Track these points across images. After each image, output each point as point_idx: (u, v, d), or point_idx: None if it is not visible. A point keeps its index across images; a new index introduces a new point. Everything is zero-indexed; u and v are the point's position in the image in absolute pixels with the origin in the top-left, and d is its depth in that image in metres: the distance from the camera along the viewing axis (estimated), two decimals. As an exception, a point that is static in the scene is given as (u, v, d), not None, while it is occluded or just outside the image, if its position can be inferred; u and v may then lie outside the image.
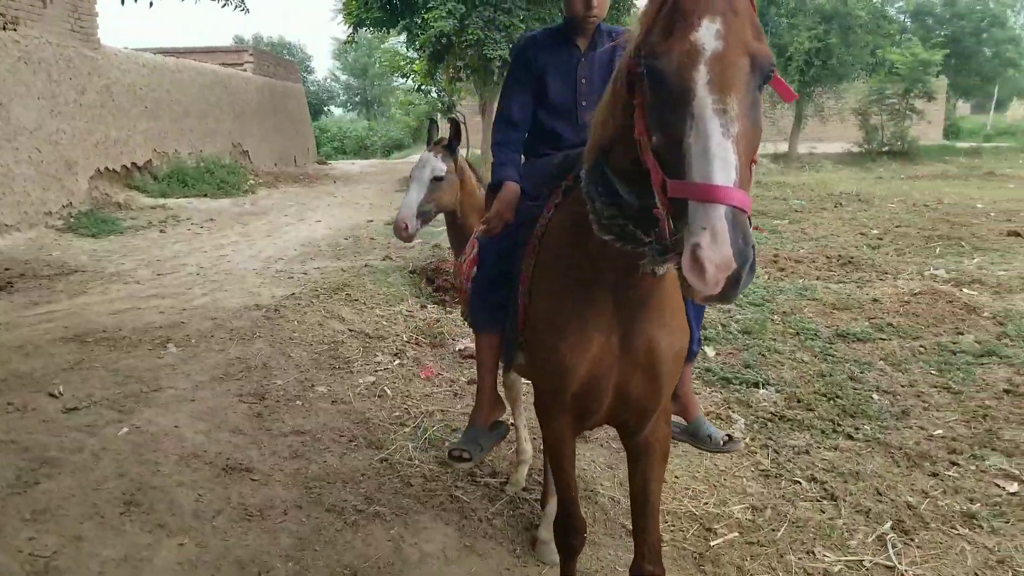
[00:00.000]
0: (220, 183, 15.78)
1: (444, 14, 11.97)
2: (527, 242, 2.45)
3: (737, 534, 3.45)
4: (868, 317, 6.70)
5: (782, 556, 3.27)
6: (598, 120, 2.04)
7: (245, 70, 21.86)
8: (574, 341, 2.19)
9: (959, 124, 41.99)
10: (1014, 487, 3.79)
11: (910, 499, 3.70)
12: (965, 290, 7.56)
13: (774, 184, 17.94)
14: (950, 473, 3.96)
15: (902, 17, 32.93)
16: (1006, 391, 5.02)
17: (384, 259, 9.11)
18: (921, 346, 5.96)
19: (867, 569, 3.17)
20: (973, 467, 4.01)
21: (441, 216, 3.96)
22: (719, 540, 3.39)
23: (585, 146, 2.53)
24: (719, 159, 1.45)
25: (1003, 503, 3.64)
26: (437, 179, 3.70)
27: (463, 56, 12.70)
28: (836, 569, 3.17)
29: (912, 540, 3.35)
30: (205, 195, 14.80)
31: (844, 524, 3.49)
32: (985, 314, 6.70)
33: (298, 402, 4.78)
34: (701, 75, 1.51)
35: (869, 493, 3.77)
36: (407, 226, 3.69)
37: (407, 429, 4.48)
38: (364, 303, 7.05)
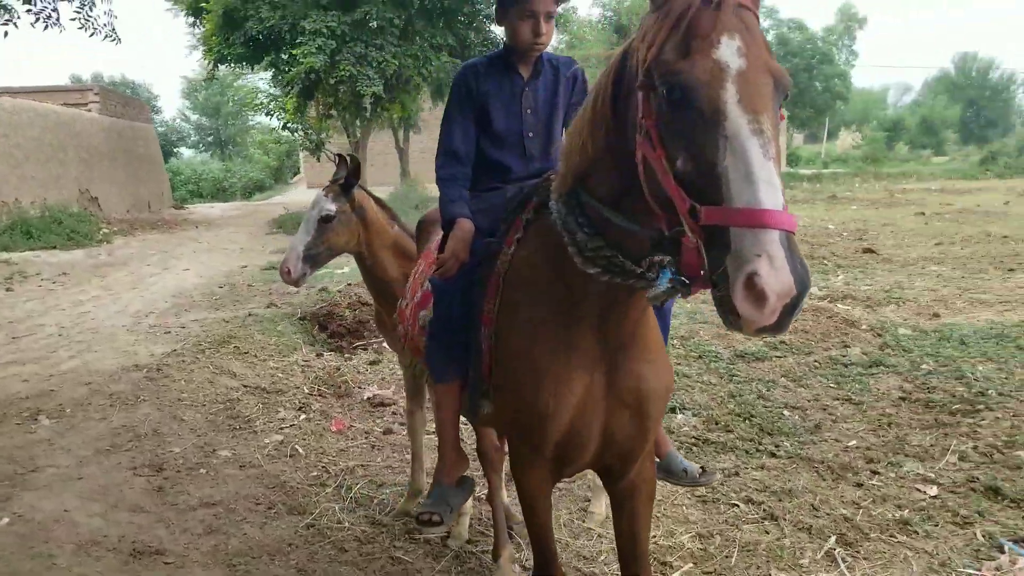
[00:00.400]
0: (70, 233, 14.58)
1: (314, 50, 11.64)
2: (487, 281, 2.30)
3: (692, 565, 3.40)
4: (761, 337, 6.94)
5: (741, 584, 3.24)
6: (573, 146, 1.94)
7: (90, 110, 20.45)
8: (556, 385, 2.05)
9: (797, 153, 45.54)
10: (934, 491, 3.96)
11: (844, 512, 3.78)
12: (840, 305, 8.03)
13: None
14: (873, 482, 4.09)
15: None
16: (901, 399, 5.31)
17: (268, 307, 8.63)
18: (815, 361, 6.23)
19: (824, 588, 3.20)
20: (892, 475, 4.17)
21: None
22: (677, 573, 3.32)
23: (540, 177, 2.44)
24: (764, 182, 1.38)
25: (928, 507, 3.79)
26: (326, 219, 3.51)
27: (334, 93, 12.39)
28: (795, 591, 3.18)
29: (858, 552, 3.42)
30: (54, 247, 13.62)
31: (791, 543, 3.52)
32: (864, 327, 7.12)
33: (202, 470, 4.35)
34: (730, 94, 1.44)
35: (805, 509, 3.83)
36: (290, 270, 3.49)
37: (329, 489, 4.16)
38: (255, 355, 6.61)
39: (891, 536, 3.54)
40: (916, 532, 3.56)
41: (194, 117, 53.48)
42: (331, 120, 16.20)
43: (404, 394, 5.67)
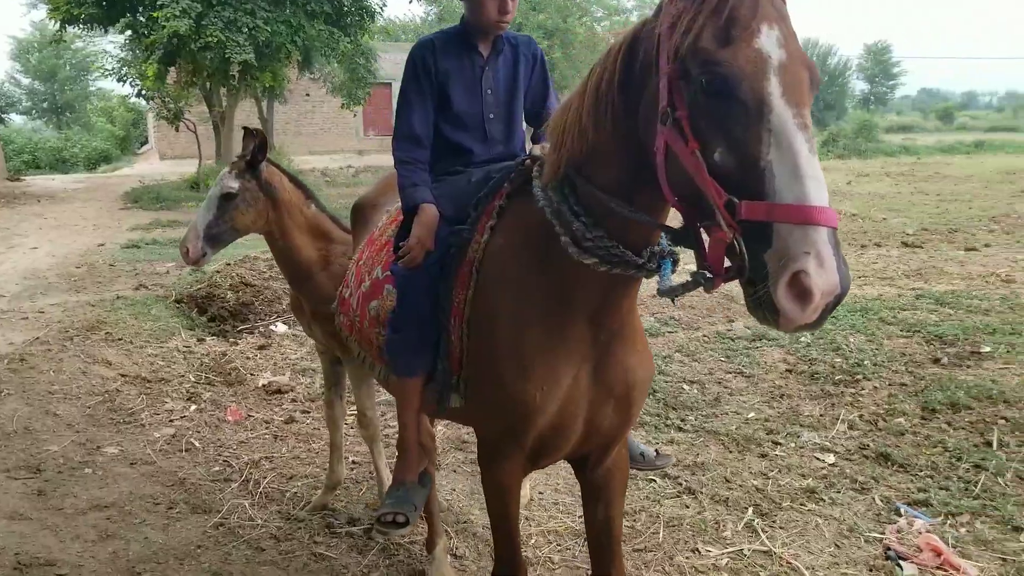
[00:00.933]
0: None
1: (177, 12, 10.74)
2: (457, 270, 2.18)
3: (622, 543, 3.43)
4: (651, 313, 7.14)
5: (671, 558, 3.31)
6: (570, 131, 1.85)
7: (-95, 70, 18.14)
8: (543, 377, 1.98)
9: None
10: (831, 459, 4.20)
11: (755, 483, 3.95)
12: (720, 281, 8.38)
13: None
14: (776, 453, 4.29)
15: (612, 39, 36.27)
16: (788, 371, 5.61)
17: (137, 288, 8.01)
18: (704, 336, 6.48)
19: (748, 557, 3.31)
20: (792, 445, 4.39)
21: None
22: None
23: (503, 161, 2.35)
24: (811, 178, 1.36)
25: (829, 475, 4.02)
26: (228, 197, 3.27)
27: (199, 60, 11.55)
28: (723, 562, 3.27)
29: (774, 522, 3.57)
30: None
31: (712, 517, 3.63)
32: (741, 302, 7.46)
33: (87, 470, 3.97)
34: (774, 86, 1.41)
35: (719, 482, 3.96)
36: (189, 250, 3.26)
37: (235, 485, 3.91)
38: (130, 342, 6.10)
39: (801, 504, 3.72)
40: (823, 500, 3.76)
41: (25, 81, 48.82)
42: (192, 89, 15.14)
43: (301, 381, 5.45)
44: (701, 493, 3.85)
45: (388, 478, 3.56)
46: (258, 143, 3.23)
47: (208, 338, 6.39)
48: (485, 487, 2.28)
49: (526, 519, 3.65)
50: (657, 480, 4.01)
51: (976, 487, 3.76)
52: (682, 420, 4.75)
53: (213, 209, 3.25)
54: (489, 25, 2.27)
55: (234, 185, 3.23)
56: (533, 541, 3.48)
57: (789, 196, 1.35)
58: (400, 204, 2.86)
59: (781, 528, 3.52)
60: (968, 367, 5.52)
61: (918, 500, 3.71)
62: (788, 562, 3.25)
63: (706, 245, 1.53)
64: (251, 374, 5.55)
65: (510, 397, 2.01)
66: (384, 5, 15.02)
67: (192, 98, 16.68)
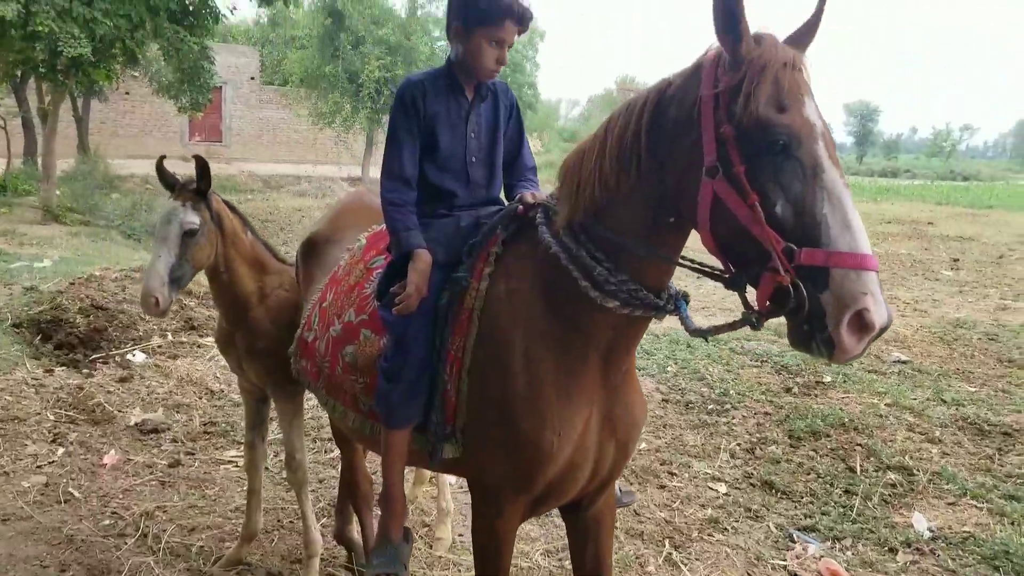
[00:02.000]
0: None
1: (0, -4, 9.55)
2: (455, 317, 2.17)
3: (553, 584, 3.50)
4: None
5: (603, 597, 3.41)
6: (590, 180, 1.95)
7: None
8: (560, 423, 2.03)
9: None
10: (723, 488, 4.52)
11: (663, 515, 4.16)
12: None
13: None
14: (675, 484, 4.55)
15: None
16: (664, 400, 5.95)
17: (-41, 310, 7.05)
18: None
19: (673, 591, 3.49)
20: (687, 475, 4.67)
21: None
22: (543, 595, 3.40)
23: (486, 205, 2.37)
24: (859, 230, 1.58)
25: (726, 504, 4.32)
26: (190, 234, 2.96)
27: (26, 50, 10.35)
28: (652, 598, 3.43)
29: (690, 554, 3.79)
30: None
31: (632, 551, 3.78)
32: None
33: (-52, 530, 3.47)
34: (822, 149, 1.62)
35: (630, 516, 4.13)
36: (158, 300, 2.86)
37: (131, 540, 3.57)
38: (-36, 374, 5.38)
39: (709, 535, 3.97)
40: (726, 529, 4.03)
41: None
42: (6, 81, 13.52)
43: (177, 418, 5.08)
44: (616, 528, 3.99)
45: (315, 527, 3.42)
46: (199, 170, 2.99)
47: (57, 369, 5.76)
48: (480, 536, 2.26)
49: (454, 564, 3.63)
50: (557, 519, 4.10)
51: (852, 511, 4.19)
52: (580, 453, 4.90)
53: (175, 249, 2.92)
54: (483, 74, 2.29)
55: (195, 220, 2.95)
56: (466, 585, 3.46)
57: (843, 245, 1.56)
58: (361, 242, 2.79)
59: (697, 560, 3.74)
60: (816, 396, 6.13)
61: (807, 526, 4.08)
62: (710, 593, 3.46)
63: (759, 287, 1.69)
64: (119, 411, 5.07)
65: (525, 443, 2.03)
66: (234, 9, 14.28)
67: (1, 91, 14.92)
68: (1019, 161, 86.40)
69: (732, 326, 1.85)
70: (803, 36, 1.76)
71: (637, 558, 3.71)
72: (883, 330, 1.57)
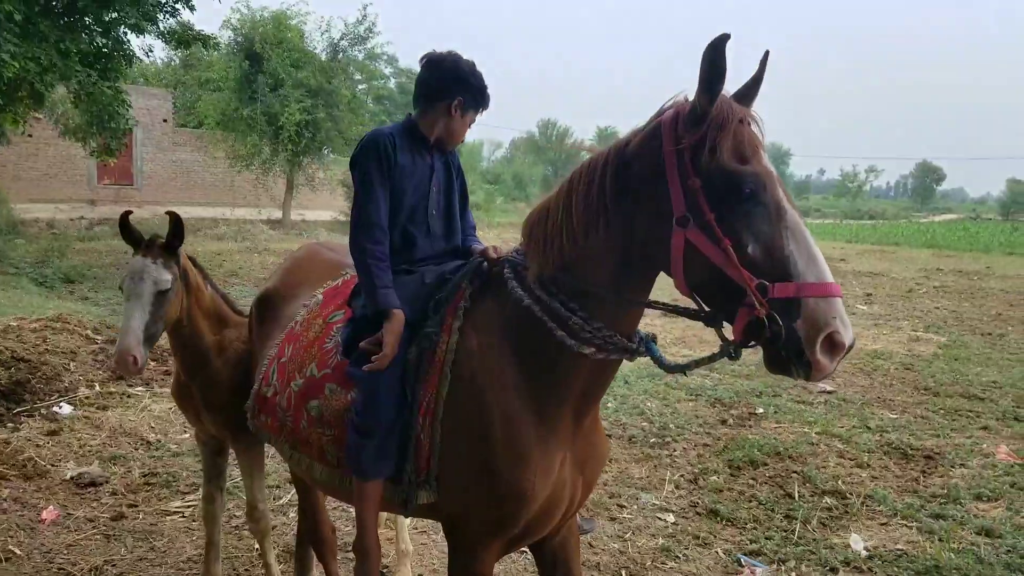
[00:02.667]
0: None
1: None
2: (427, 371, 2.24)
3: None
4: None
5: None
6: (557, 236, 2.06)
7: None
8: (538, 465, 2.11)
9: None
10: (671, 518, 4.66)
11: (616, 546, 4.26)
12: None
13: (280, 250, 18.21)
14: (624, 515, 4.66)
15: (369, 102, 36.37)
16: (608, 435, 6.05)
17: None
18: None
19: (634, 620, 3.58)
20: (635, 506, 4.79)
21: None
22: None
23: (444, 258, 2.48)
24: (823, 262, 1.75)
25: (675, 533, 4.45)
26: (163, 293, 2.91)
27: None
28: (616, 628, 3.50)
29: (647, 584, 3.89)
30: None
31: (591, 584, 3.85)
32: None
33: None
34: (781, 194, 1.79)
35: (584, 548, 4.20)
36: (136, 359, 2.78)
37: (84, 598, 3.43)
38: None
39: (663, 563, 4.09)
40: (678, 557, 4.16)
41: None
42: None
43: (114, 470, 4.90)
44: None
45: (279, 575, 3.37)
46: (174, 224, 2.95)
47: (-22, 423, 5.48)
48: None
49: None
50: (528, 551, 4.16)
51: (793, 535, 4.39)
52: (530, 490, 4.96)
53: (148, 307, 2.84)
54: (453, 143, 2.46)
55: (168, 278, 2.88)
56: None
57: (811, 276, 1.72)
58: (318, 298, 2.82)
59: (654, 589, 3.84)
60: (750, 426, 6.39)
61: (753, 551, 4.24)
62: (670, 620, 3.56)
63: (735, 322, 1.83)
64: (51, 465, 4.86)
65: (507, 489, 2.11)
66: (150, 51, 14.01)
67: None
68: (919, 200, 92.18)
69: (711, 359, 1.98)
70: (749, 91, 1.93)
71: (597, 589, 3.79)
72: (850, 348, 1.73)
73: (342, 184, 28.14)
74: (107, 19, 12.53)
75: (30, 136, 27.15)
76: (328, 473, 2.48)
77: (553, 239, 2.07)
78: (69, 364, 6.71)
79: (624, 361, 2.20)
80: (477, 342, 2.21)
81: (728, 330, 1.92)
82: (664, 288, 2.10)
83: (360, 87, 36.61)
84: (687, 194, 1.83)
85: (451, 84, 2.36)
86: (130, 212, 3.00)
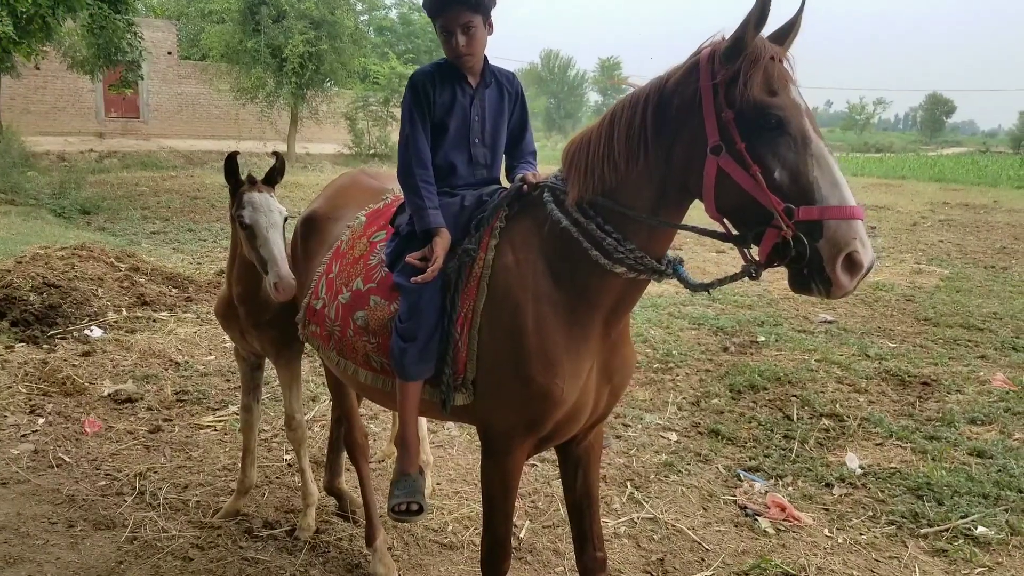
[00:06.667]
0: None
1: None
2: (465, 284, 2.45)
3: (529, 522, 3.83)
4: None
5: (579, 531, 3.76)
6: (599, 164, 2.23)
7: None
8: (570, 373, 2.33)
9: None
10: (674, 436, 4.94)
11: (621, 461, 4.55)
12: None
13: (286, 182, 18.31)
14: (629, 434, 4.94)
15: (371, 33, 35.82)
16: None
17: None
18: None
19: (638, 524, 3.87)
20: (640, 426, 5.06)
21: None
22: (523, 530, 3.73)
23: (487, 184, 2.65)
24: (846, 187, 1.91)
25: (677, 450, 4.73)
26: (285, 220, 3.20)
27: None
28: (622, 530, 3.80)
29: (651, 493, 4.18)
30: None
31: (600, 492, 4.13)
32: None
33: (-52, 496, 3.55)
34: (808, 124, 1.95)
35: (593, 463, 4.49)
36: (295, 281, 3.05)
37: (130, 498, 3.73)
38: (-76, 352, 5.34)
39: (666, 476, 4.37)
40: (680, 471, 4.44)
41: None
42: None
43: (147, 388, 5.19)
44: (582, 473, 4.35)
45: (313, 481, 3.66)
46: (279, 164, 3.22)
47: (17, 345, 5.75)
48: (491, 474, 2.55)
49: (438, 509, 3.92)
50: (538, 464, 4.46)
51: (791, 453, 4.67)
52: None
53: (281, 234, 3.13)
54: (451, 59, 2.56)
55: (284, 208, 3.18)
56: (451, 528, 3.76)
57: (834, 200, 1.88)
58: (361, 219, 3.03)
59: (657, 498, 4.13)
60: (752, 354, 6.64)
61: (752, 467, 4.52)
62: (672, 525, 3.85)
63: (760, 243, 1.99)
64: (89, 383, 5.14)
65: (538, 392, 2.33)
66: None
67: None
68: (928, 133, 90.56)
69: (733, 278, 2.17)
70: (785, 33, 2.07)
71: (603, 497, 4.08)
72: (870, 269, 1.90)
73: (345, 117, 28.00)
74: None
75: (38, 69, 27.03)
76: (372, 378, 2.72)
77: (594, 167, 2.24)
78: (96, 290, 6.96)
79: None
80: (514, 258, 2.41)
81: (754, 252, 2.08)
82: (694, 217, 2.28)
83: (362, 18, 36.05)
84: (720, 125, 2.00)
85: (427, 8, 2.49)
86: (237, 153, 3.21)
